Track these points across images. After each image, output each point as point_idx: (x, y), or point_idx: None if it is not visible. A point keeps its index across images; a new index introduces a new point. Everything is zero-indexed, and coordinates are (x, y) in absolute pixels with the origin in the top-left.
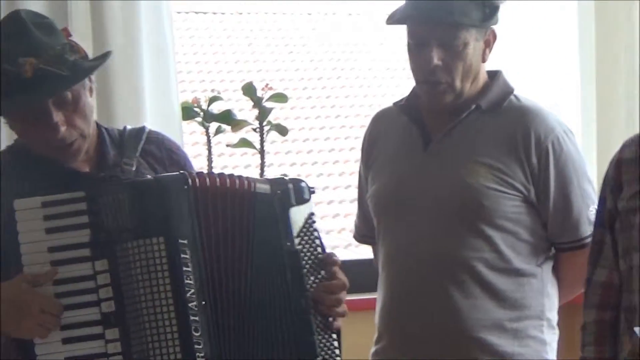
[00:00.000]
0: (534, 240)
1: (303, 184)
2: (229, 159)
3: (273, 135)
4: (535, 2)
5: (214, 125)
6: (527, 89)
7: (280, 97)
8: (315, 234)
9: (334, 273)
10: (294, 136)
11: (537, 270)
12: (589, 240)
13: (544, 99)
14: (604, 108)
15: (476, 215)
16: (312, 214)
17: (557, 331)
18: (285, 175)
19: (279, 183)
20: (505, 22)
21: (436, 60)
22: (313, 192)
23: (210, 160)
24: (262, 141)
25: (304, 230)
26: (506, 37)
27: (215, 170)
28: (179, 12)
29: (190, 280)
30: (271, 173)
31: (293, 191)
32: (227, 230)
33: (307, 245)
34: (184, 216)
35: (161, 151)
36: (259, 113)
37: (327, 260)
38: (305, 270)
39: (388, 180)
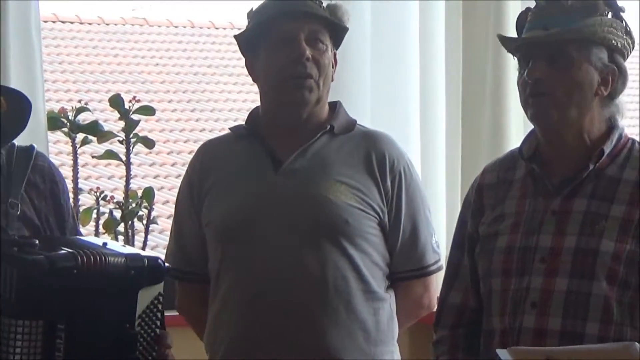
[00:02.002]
0: (384, 265)
1: (160, 263)
2: (93, 169)
3: (138, 146)
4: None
5: (79, 136)
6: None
7: (147, 110)
8: (158, 314)
9: (164, 355)
10: (159, 148)
11: (387, 296)
12: (431, 268)
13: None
14: (469, 133)
15: (341, 233)
16: (161, 294)
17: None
18: (137, 197)
19: (135, 260)
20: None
21: (308, 52)
22: (167, 271)
23: (75, 171)
24: (128, 153)
25: (147, 310)
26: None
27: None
28: (45, 21)
29: None
30: (135, 185)
31: (147, 272)
32: (92, 314)
33: (146, 327)
34: (66, 300)
35: (45, 182)
36: (125, 125)
37: (160, 341)
38: (138, 352)
39: (236, 205)
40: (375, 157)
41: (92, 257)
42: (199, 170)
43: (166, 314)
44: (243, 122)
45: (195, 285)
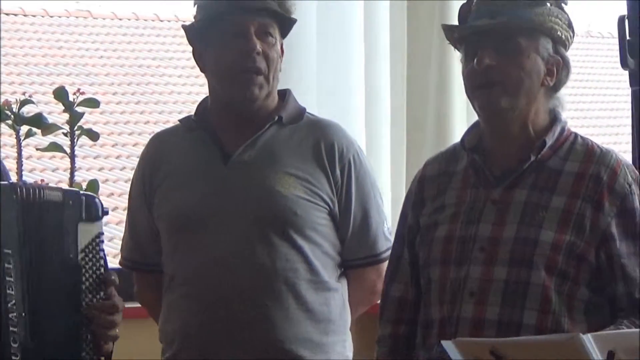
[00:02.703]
0: (335, 255)
1: (97, 201)
2: (37, 162)
3: (83, 139)
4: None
5: (23, 129)
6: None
7: (92, 103)
8: (101, 253)
9: (111, 294)
10: (104, 141)
11: (338, 285)
12: (383, 255)
13: (354, 119)
14: (413, 126)
15: (289, 224)
16: (101, 233)
17: (352, 349)
18: (81, 189)
19: (71, 195)
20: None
21: (259, 47)
22: (106, 213)
23: (20, 163)
24: (72, 146)
25: (90, 247)
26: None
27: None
28: None
29: (11, 290)
30: (80, 177)
31: (85, 206)
32: (40, 240)
33: (90, 263)
34: (11, 226)
35: None
36: (69, 117)
37: (106, 280)
38: (84, 287)
39: (186, 198)
40: (324, 147)
41: (30, 189)
42: (149, 163)
43: (126, 305)
44: (192, 114)
45: (151, 275)
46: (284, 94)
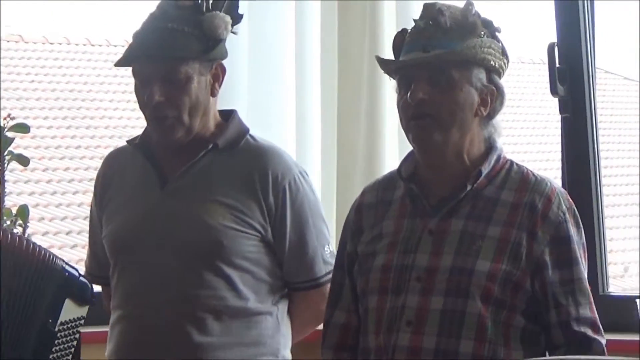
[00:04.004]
0: (272, 280)
1: (89, 288)
2: None
3: (13, 163)
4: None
5: None
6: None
7: (22, 128)
8: (77, 336)
9: None
10: (34, 165)
11: (273, 308)
12: (323, 279)
13: (285, 144)
14: (344, 152)
15: (215, 255)
16: (84, 318)
17: None
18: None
19: (71, 270)
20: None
21: (158, 97)
22: (94, 303)
23: None
24: (2, 170)
25: (69, 325)
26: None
27: None
28: None
29: None
30: (10, 202)
31: (78, 285)
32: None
33: (64, 338)
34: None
35: None
36: None
37: None
38: (52, 357)
39: (124, 220)
40: (258, 174)
41: (42, 251)
42: (101, 181)
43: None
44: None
45: (109, 288)
46: (228, 117)
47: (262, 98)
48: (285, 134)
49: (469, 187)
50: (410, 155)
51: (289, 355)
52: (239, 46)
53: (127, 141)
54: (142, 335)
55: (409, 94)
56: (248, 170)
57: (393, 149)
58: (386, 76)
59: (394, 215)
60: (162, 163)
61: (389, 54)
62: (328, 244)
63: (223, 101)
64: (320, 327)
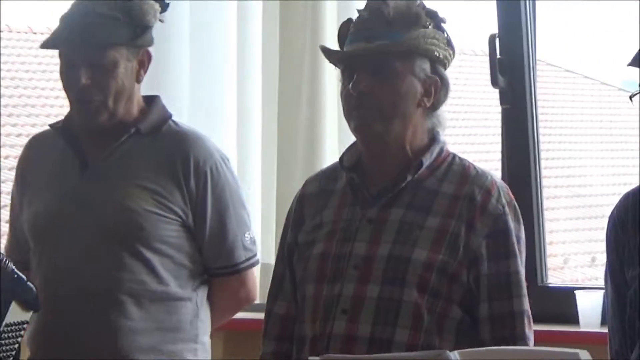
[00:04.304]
0: (192, 265)
1: (37, 295)
2: None
3: None
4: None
5: None
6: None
7: None
8: (19, 340)
9: None
10: None
11: (193, 294)
12: (242, 265)
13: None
14: (285, 143)
15: (136, 238)
16: (27, 323)
17: (210, 356)
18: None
19: (19, 273)
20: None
21: (84, 80)
22: (37, 310)
23: None
24: None
25: (12, 327)
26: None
27: None
28: None
29: None
30: None
31: (26, 289)
32: None
33: (5, 341)
34: None
35: None
36: None
37: None
38: None
39: (45, 204)
40: (180, 159)
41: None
42: (23, 164)
43: None
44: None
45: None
46: (151, 102)
47: (203, 88)
48: (226, 124)
49: (409, 178)
50: (353, 145)
51: (207, 341)
52: (181, 37)
53: (50, 125)
54: (60, 318)
55: (351, 85)
56: (170, 155)
57: (334, 137)
58: (328, 65)
59: (335, 205)
60: (84, 147)
61: (330, 43)
62: (249, 231)
63: (165, 91)
64: (253, 315)
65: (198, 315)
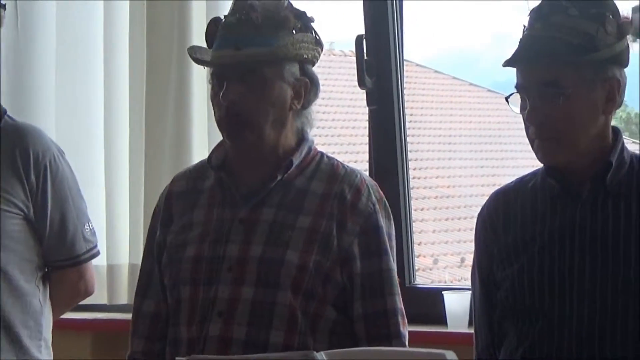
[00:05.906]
0: (36, 259)
1: None
2: None
3: None
4: None
5: None
6: None
7: None
8: None
9: None
10: None
11: (38, 288)
12: (83, 257)
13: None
14: (152, 143)
15: None
16: None
17: (51, 352)
18: None
19: None
20: None
21: None
22: None
23: None
24: None
25: None
26: None
27: None
28: None
29: None
30: None
31: None
32: None
33: None
34: None
35: None
36: None
37: None
38: None
39: None
40: (19, 153)
41: None
42: None
43: None
44: None
45: None
46: None
47: (69, 90)
48: (93, 125)
49: (279, 177)
50: (220, 143)
51: (49, 336)
52: (47, 40)
53: None
54: None
55: (221, 95)
56: (9, 149)
57: (202, 139)
58: (195, 66)
59: (204, 205)
60: None
61: (198, 43)
62: (88, 222)
63: (31, 95)
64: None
65: (42, 310)
